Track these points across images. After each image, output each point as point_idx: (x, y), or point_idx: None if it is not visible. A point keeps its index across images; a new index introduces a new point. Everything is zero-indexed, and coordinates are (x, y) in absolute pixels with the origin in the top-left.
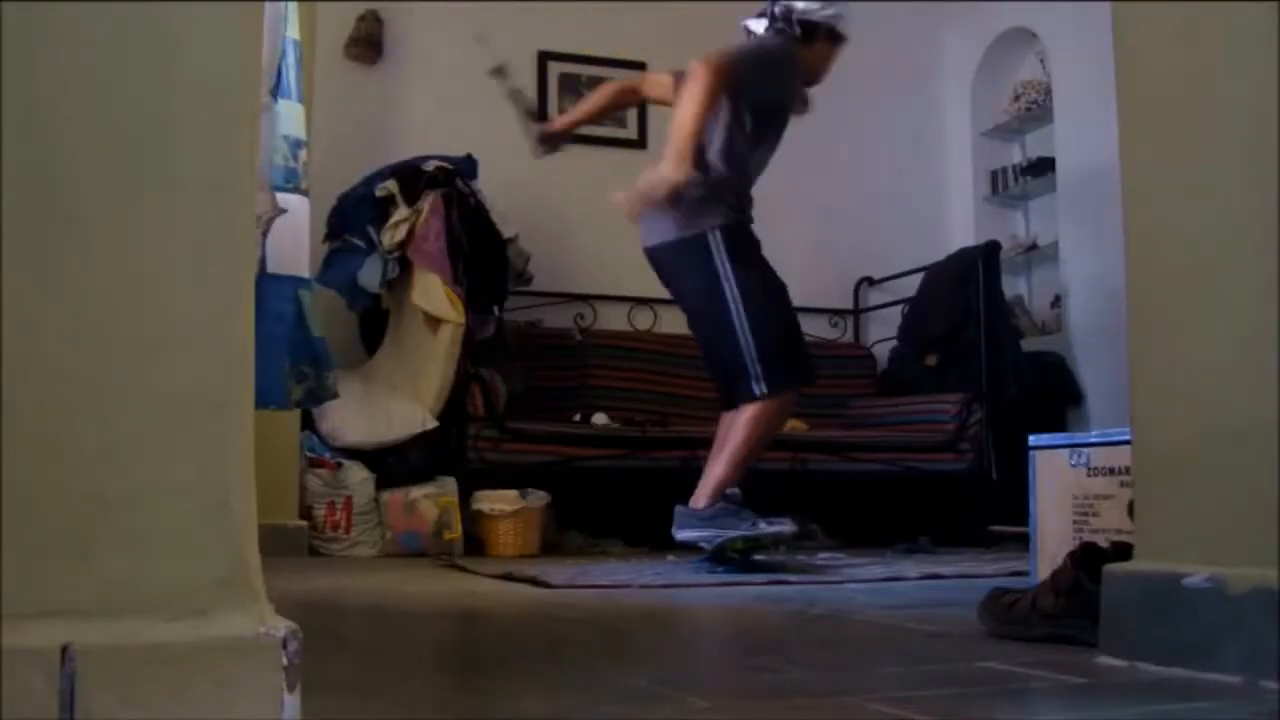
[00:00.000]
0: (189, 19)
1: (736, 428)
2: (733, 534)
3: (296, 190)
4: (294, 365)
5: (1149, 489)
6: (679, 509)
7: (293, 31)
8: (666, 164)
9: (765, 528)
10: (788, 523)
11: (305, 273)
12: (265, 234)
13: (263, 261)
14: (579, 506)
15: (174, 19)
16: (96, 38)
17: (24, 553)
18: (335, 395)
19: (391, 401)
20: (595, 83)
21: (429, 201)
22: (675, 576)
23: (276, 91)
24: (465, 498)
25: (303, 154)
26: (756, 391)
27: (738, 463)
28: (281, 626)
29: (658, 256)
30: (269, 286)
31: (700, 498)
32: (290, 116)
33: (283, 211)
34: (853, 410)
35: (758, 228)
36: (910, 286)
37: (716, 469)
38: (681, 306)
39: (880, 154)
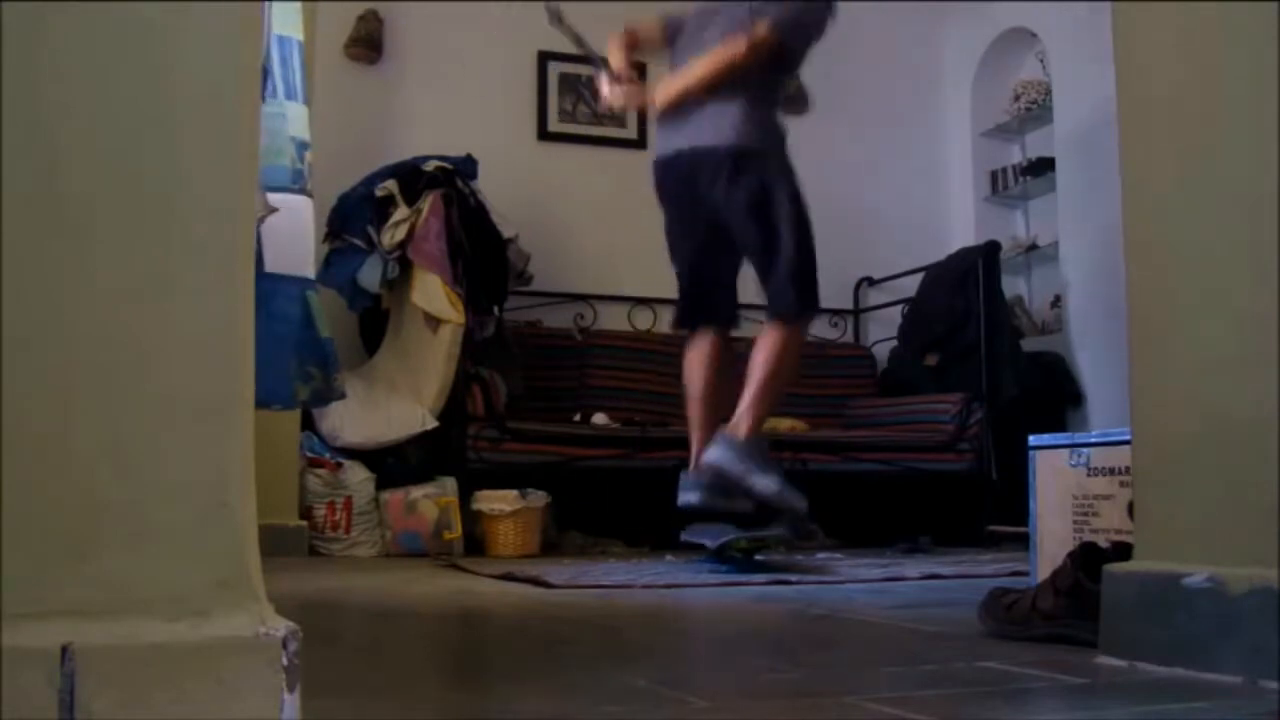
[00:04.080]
0: (188, 20)
1: (763, 358)
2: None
3: (302, 191)
4: (301, 366)
5: (1149, 489)
6: (710, 453)
7: (297, 33)
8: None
9: (786, 494)
10: (801, 497)
11: (310, 273)
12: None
13: (260, 260)
14: (579, 506)
15: (172, 20)
16: (96, 39)
17: (24, 553)
18: (343, 396)
19: (391, 401)
20: (595, 84)
21: (429, 201)
22: (675, 576)
23: (264, 92)
24: (465, 498)
25: (308, 155)
26: (793, 308)
27: (773, 393)
28: (281, 626)
29: (720, 156)
30: (271, 286)
31: (742, 428)
32: (297, 118)
33: (274, 210)
34: (853, 410)
35: None
36: (910, 287)
37: (752, 400)
38: (713, 212)
39: (880, 154)
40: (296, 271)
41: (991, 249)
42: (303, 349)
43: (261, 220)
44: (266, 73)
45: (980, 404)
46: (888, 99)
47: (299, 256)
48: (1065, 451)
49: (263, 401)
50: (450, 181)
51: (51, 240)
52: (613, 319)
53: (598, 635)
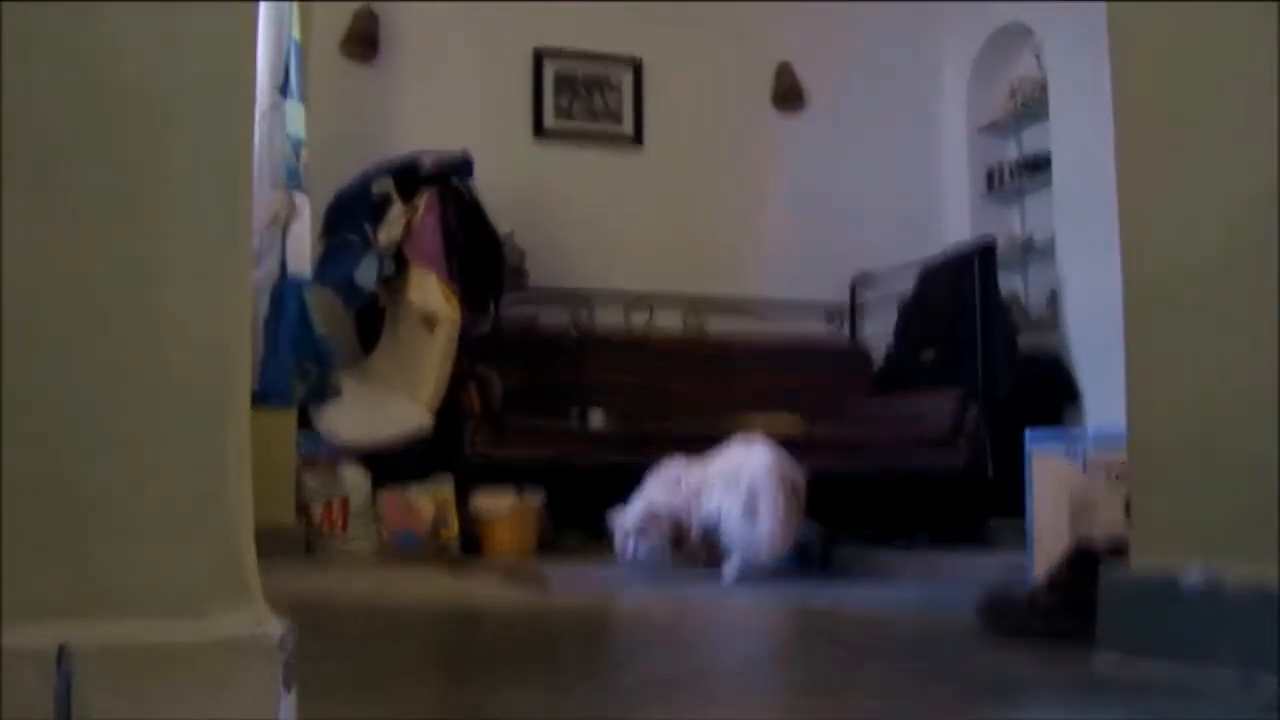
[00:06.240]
0: (189, 14)
1: None
2: None
3: (299, 189)
4: (299, 363)
5: (1145, 486)
6: None
7: (296, 33)
8: None
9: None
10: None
11: (308, 271)
12: (284, 234)
13: (284, 263)
14: (576, 505)
15: (174, 14)
16: (98, 32)
17: (21, 553)
18: (338, 393)
19: (388, 400)
20: (592, 80)
21: (425, 199)
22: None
23: (285, 90)
24: (462, 496)
25: (304, 153)
26: None
27: None
28: (278, 626)
29: None
30: (287, 287)
31: None
32: (295, 117)
33: (294, 210)
34: (848, 407)
35: (756, 224)
36: (906, 283)
37: None
38: None
39: (876, 150)
40: (296, 269)
41: (988, 246)
42: (300, 346)
43: (288, 222)
44: (288, 72)
45: (976, 400)
46: (884, 95)
47: (298, 254)
48: (1062, 448)
49: (264, 397)
50: (446, 179)
51: (43, 233)
52: (609, 316)
53: (594, 634)
